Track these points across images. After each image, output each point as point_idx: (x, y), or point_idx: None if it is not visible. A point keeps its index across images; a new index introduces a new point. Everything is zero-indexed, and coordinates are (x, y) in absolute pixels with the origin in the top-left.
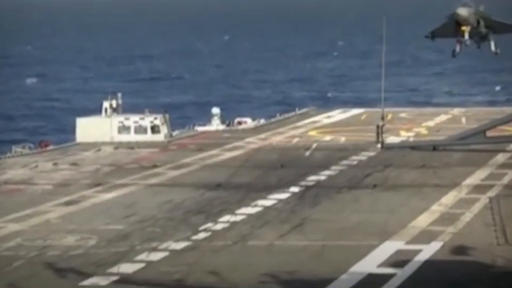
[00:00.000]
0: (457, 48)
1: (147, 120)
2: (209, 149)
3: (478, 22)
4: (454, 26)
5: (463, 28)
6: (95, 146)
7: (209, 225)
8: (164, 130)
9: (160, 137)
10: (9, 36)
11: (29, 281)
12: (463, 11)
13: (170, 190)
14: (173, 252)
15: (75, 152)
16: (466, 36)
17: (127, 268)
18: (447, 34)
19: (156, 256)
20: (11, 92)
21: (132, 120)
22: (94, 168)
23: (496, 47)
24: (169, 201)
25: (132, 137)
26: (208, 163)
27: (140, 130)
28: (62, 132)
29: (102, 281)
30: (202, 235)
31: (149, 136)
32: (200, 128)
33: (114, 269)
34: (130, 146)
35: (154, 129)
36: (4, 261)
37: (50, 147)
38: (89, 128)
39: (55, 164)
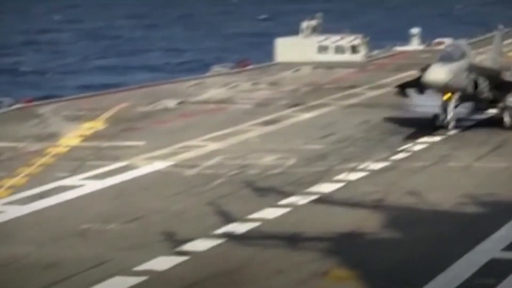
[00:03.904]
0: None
1: (346, 40)
2: (407, 70)
3: (476, 84)
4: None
5: (445, 96)
6: (294, 66)
7: (407, 145)
8: (363, 50)
9: (358, 57)
10: None
11: (228, 199)
12: (437, 74)
13: (367, 111)
14: (372, 172)
15: (274, 72)
16: (450, 109)
17: (326, 187)
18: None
19: (355, 176)
20: (216, 14)
21: (331, 40)
22: (293, 88)
23: None
24: (366, 121)
25: (330, 57)
26: None
27: (339, 50)
28: (262, 52)
29: (302, 200)
30: (400, 156)
31: (347, 56)
32: (399, 48)
33: (313, 189)
34: (329, 66)
35: (353, 49)
36: (205, 179)
37: (250, 67)
38: (289, 48)
39: (254, 83)
